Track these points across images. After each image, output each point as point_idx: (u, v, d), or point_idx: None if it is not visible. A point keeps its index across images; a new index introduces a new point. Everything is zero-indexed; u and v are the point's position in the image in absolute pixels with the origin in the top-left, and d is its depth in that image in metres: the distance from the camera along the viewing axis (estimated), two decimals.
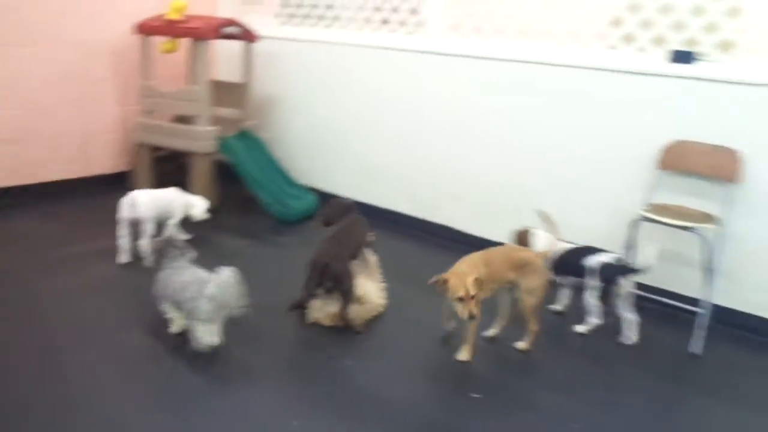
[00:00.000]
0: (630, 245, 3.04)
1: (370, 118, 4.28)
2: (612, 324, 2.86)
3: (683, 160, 3.06)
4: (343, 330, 2.74)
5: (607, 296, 2.78)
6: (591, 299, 2.80)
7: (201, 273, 2.43)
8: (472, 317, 2.40)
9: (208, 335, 2.36)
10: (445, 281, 2.43)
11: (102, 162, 4.50)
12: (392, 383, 2.42)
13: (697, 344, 2.81)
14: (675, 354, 2.80)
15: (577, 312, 2.92)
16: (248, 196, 4.29)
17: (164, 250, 2.54)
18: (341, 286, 2.66)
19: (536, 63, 3.50)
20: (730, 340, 2.97)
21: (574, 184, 3.47)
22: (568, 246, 2.91)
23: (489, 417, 2.24)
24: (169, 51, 4.25)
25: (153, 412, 2.12)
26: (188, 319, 2.39)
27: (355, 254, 2.92)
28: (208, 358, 2.42)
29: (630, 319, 2.80)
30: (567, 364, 2.65)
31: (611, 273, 2.72)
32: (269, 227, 4.03)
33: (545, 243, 2.89)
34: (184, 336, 2.47)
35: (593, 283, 2.77)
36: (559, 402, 2.36)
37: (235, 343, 2.53)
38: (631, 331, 2.82)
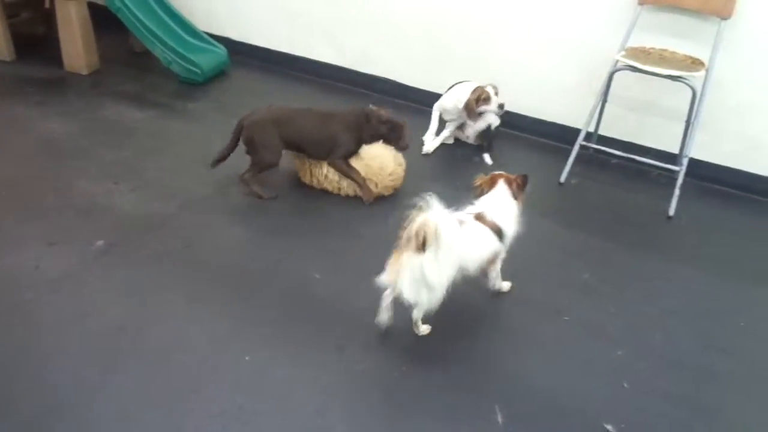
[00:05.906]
0: (605, 99, 2.68)
1: None
2: None
3: None
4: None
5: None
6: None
7: None
8: None
9: None
10: None
11: None
12: None
13: (672, 205, 2.59)
14: (651, 216, 2.58)
15: None
16: (139, 51, 3.49)
17: None
18: (250, 151, 2.47)
19: None
20: (703, 195, 2.78)
21: (536, 27, 2.96)
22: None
23: None
24: None
25: None
26: None
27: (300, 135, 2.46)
28: None
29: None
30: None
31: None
32: (173, 92, 3.29)
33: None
34: None
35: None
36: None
37: None
38: None
